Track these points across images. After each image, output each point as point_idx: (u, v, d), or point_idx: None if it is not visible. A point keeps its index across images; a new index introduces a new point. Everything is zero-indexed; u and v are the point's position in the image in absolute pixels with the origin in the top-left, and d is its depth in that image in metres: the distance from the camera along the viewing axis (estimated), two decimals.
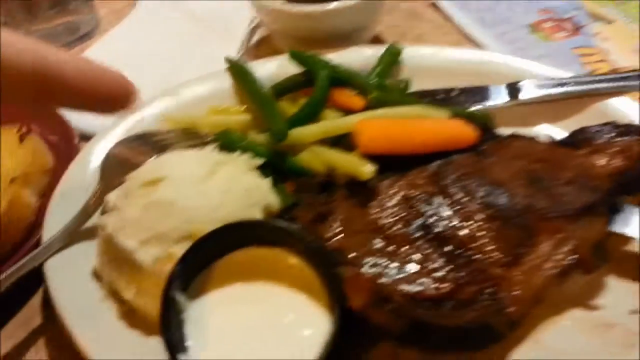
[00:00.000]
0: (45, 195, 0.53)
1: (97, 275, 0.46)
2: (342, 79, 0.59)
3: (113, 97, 0.31)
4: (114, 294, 0.44)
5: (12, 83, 0.26)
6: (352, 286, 0.40)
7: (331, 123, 0.54)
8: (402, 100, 0.55)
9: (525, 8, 0.83)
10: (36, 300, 0.51)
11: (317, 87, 0.57)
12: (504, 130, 0.57)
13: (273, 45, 0.79)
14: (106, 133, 0.56)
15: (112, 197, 0.45)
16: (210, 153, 0.49)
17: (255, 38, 0.81)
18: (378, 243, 0.44)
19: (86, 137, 0.64)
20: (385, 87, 0.60)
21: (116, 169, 0.51)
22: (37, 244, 0.48)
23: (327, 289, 0.39)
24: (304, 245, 0.41)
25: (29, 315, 0.50)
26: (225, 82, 0.64)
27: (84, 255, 0.47)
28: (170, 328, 0.37)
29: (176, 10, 0.86)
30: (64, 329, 0.42)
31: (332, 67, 0.60)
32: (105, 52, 0.80)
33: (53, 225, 0.48)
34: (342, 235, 0.46)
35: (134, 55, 0.79)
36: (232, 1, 0.83)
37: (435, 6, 0.86)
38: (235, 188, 0.45)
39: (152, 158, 0.50)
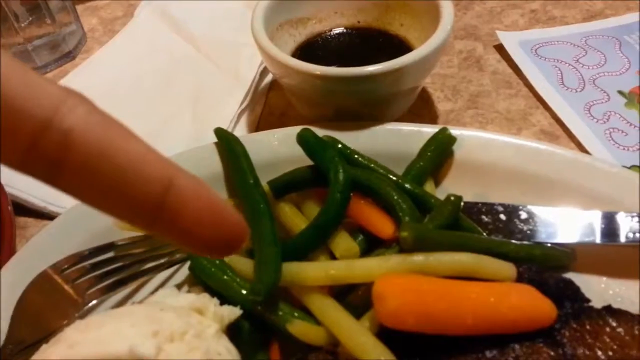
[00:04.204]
0: None
1: None
2: (366, 188, 0.42)
3: (225, 242, 0.23)
4: None
5: (132, 201, 0.20)
6: None
7: (343, 268, 0.37)
8: (449, 239, 0.38)
9: (622, 64, 0.64)
10: None
11: (330, 200, 0.40)
12: (588, 282, 0.40)
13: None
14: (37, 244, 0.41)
15: None
16: (160, 314, 0.33)
17: (267, 80, 0.65)
18: None
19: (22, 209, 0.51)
20: (425, 200, 0.43)
21: (31, 321, 0.36)
22: None
23: None
24: None
25: None
26: (215, 161, 0.49)
27: None
28: None
29: (177, 31, 0.70)
30: None
31: (354, 167, 0.44)
32: (84, 83, 0.65)
33: None
34: None
35: (119, 91, 0.64)
36: (243, 33, 0.62)
37: (502, 49, 0.67)
38: None
39: (75, 318, 0.35)
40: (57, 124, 0.19)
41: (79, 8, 0.75)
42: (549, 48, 0.66)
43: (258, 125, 0.61)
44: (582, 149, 0.55)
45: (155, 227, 0.21)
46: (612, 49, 0.66)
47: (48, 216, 0.51)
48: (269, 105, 0.63)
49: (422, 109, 0.61)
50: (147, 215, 0.21)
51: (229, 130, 0.58)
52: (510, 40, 0.67)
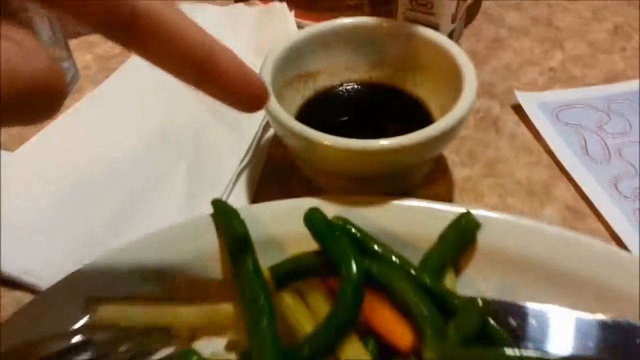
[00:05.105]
0: None
1: None
2: (380, 284, 0.37)
3: (251, 97, 0.33)
4: None
5: (183, 61, 0.28)
6: None
7: None
8: (474, 355, 0.34)
9: None
10: None
11: (341, 301, 0.35)
12: None
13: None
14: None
15: None
16: None
17: (270, 134, 0.60)
18: None
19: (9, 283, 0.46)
20: (447, 300, 0.38)
21: None
22: None
23: None
24: None
25: None
26: (212, 235, 0.44)
27: None
28: None
29: None
30: None
31: (367, 255, 0.39)
32: (70, 131, 0.60)
33: None
34: None
35: (108, 141, 0.59)
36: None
37: (520, 109, 0.63)
38: None
39: None
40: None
41: (73, 43, 0.71)
42: (571, 112, 0.63)
43: (258, 184, 0.56)
44: (609, 229, 0.51)
45: (198, 81, 0.30)
46: (636, 114, 0.62)
47: (20, 286, 0.46)
48: (271, 161, 0.58)
49: (437, 175, 0.56)
50: (193, 72, 0.29)
51: (228, 188, 0.54)
52: (529, 101, 0.63)
